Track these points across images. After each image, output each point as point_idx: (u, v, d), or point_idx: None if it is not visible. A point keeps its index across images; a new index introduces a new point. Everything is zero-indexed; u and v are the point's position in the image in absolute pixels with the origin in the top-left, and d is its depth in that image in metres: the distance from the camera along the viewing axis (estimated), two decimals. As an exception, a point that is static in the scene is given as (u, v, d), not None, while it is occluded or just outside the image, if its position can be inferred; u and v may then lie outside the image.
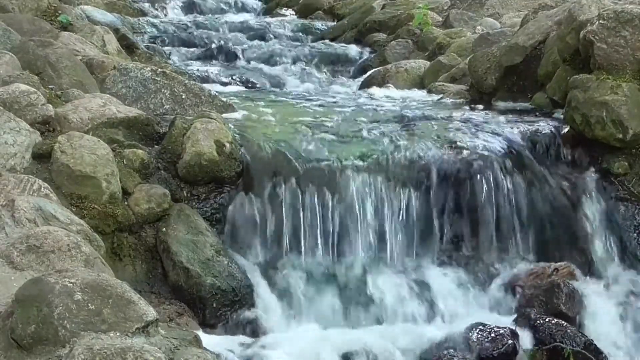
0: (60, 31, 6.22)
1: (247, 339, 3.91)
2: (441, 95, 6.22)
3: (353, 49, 8.74)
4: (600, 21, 4.80)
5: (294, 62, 8.30)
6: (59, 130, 4.31)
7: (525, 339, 3.97)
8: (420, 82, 6.92)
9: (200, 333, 3.37)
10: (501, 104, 5.80)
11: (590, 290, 4.39)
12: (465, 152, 4.68)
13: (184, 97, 5.23)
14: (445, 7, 9.35)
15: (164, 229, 4.13)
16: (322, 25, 10.06)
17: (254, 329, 4.01)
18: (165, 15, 10.63)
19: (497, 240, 4.57)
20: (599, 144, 4.75)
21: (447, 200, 4.57)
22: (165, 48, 8.38)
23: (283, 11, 11.39)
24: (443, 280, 4.43)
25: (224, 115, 4.99)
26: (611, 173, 4.73)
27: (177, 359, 2.73)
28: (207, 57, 8.40)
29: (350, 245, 4.42)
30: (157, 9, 10.69)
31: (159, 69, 5.46)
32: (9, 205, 3.48)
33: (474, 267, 4.52)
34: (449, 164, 4.61)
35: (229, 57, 8.43)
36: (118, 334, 2.63)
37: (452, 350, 3.81)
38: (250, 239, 4.34)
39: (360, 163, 4.54)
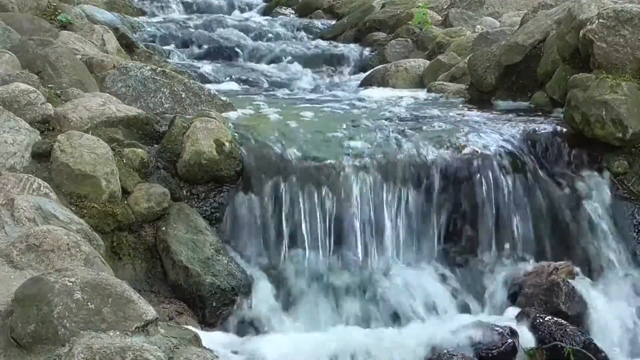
0: (59, 30, 6.22)
1: (246, 338, 3.91)
2: (441, 94, 6.22)
3: (353, 48, 8.74)
4: (600, 20, 4.80)
5: (294, 61, 8.30)
6: (58, 129, 4.31)
7: (525, 338, 3.96)
8: (420, 81, 6.92)
9: (199, 332, 3.37)
10: (501, 103, 5.80)
11: (589, 289, 4.39)
12: (464, 151, 4.68)
13: (183, 96, 5.23)
14: (445, 6, 9.36)
15: (164, 228, 4.13)
16: (322, 24, 10.07)
17: (253, 328, 4.01)
18: (165, 14, 10.62)
19: (497, 239, 4.57)
20: (598, 143, 4.75)
21: (447, 199, 4.57)
22: (165, 47, 8.38)
23: (283, 10, 11.39)
24: (442, 279, 4.43)
25: (224, 114, 4.99)
26: (611, 172, 4.73)
27: (177, 358, 2.73)
28: (206, 56, 8.40)
29: (349, 245, 4.42)
30: (156, 8, 10.69)
31: (159, 68, 5.46)
32: (8, 204, 3.48)
33: (473, 265, 4.52)
34: (449, 163, 4.61)
35: (229, 56, 8.43)
36: (118, 333, 2.63)
37: (451, 350, 3.80)
38: (250, 238, 4.35)
39: (360, 162, 4.54)
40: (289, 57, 8.38)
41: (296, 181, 4.41)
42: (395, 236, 4.47)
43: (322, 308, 4.19)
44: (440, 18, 8.85)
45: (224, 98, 5.39)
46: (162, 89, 5.22)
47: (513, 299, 4.36)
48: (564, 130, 4.92)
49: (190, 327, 3.42)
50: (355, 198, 4.44)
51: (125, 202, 4.14)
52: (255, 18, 10.69)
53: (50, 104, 4.42)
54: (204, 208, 4.35)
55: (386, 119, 5.22)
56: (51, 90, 4.69)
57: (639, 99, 4.65)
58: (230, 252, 4.23)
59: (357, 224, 4.42)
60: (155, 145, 4.50)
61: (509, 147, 4.76)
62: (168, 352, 2.71)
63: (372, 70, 7.61)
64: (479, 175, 4.60)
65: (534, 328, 4.01)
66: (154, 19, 9.75)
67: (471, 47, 6.86)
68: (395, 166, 4.56)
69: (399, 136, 4.82)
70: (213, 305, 3.98)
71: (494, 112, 5.46)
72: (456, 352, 3.78)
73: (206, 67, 7.76)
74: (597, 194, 4.66)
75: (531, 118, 5.22)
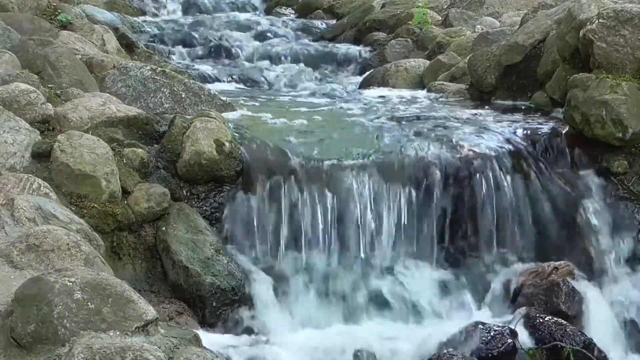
0: (59, 30, 6.22)
1: (246, 338, 3.91)
2: (441, 94, 6.22)
3: (353, 48, 8.74)
4: (600, 20, 4.79)
5: (294, 61, 8.30)
6: (58, 129, 4.31)
7: (525, 338, 3.97)
8: (420, 81, 6.93)
9: (199, 332, 3.37)
10: (501, 103, 5.80)
11: (589, 289, 4.39)
12: (464, 151, 4.68)
13: (183, 96, 5.23)
14: (445, 6, 9.36)
15: (164, 228, 4.13)
16: (322, 24, 10.06)
17: (253, 328, 4.01)
18: (165, 14, 10.63)
19: (497, 239, 4.57)
20: (598, 143, 4.74)
21: (447, 199, 4.57)
22: (165, 47, 8.38)
23: (283, 10, 11.39)
24: (443, 279, 4.43)
25: (224, 114, 4.99)
26: (611, 172, 4.73)
27: (177, 357, 2.73)
28: (206, 56, 8.40)
29: (349, 245, 4.42)
30: (156, 8, 10.69)
31: (159, 68, 5.46)
32: (8, 204, 3.48)
33: (473, 266, 4.52)
34: (449, 163, 4.61)
35: (229, 56, 8.44)
36: (118, 333, 2.63)
37: (451, 350, 3.81)
38: (250, 238, 4.34)
39: (360, 162, 4.54)
40: (289, 57, 8.38)
41: (296, 181, 4.41)
42: (396, 236, 4.47)
43: (322, 307, 4.19)
44: (440, 18, 8.85)
45: (224, 98, 5.39)
46: (162, 89, 5.22)
47: (513, 299, 4.36)
48: (564, 130, 4.92)
49: (190, 327, 3.42)
50: (355, 198, 4.43)
51: (125, 202, 4.14)
52: (255, 18, 10.69)
53: (50, 104, 4.42)
54: (204, 208, 4.35)
55: (386, 119, 5.22)
56: (51, 90, 4.69)
57: (639, 99, 4.65)
58: (230, 252, 4.23)
59: (357, 224, 4.42)
60: (155, 145, 4.50)
61: (509, 147, 4.76)
62: (168, 352, 2.72)
63: (372, 70, 7.62)
64: (479, 175, 4.60)
65: (534, 328, 4.02)
66: (154, 19, 9.75)
67: (471, 47, 6.86)
68: (395, 166, 4.56)
69: (399, 136, 4.82)
70: (213, 305, 3.98)
71: (494, 112, 5.46)
72: (456, 352, 3.78)
73: (206, 67, 7.76)
74: (597, 194, 4.66)
75: (531, 118, 5.22)
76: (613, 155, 4.74)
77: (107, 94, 4.85)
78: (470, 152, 4.67)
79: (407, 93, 6.44)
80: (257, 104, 5.74)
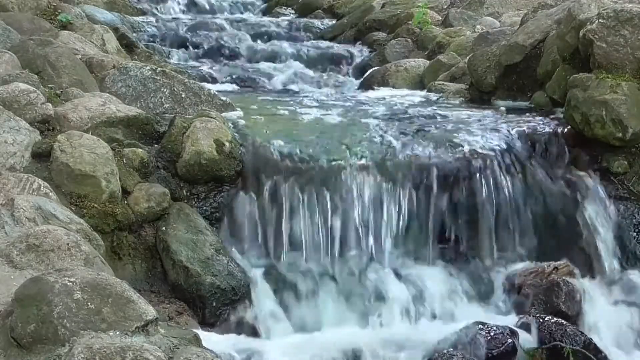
0: (59, 30, 6.23)
1: (246, 338, 3.91)
2: (441, 94, 6.22)
3: (353, 48, 8.74)
4: (600, 20, 4.80)
5: (294, 61, 8.30)
6: (58, 129, 4.31)
7: (525, 338, 3.96)
8: (420, 81, 6.92)
9: (199, 332, 3.37)
10: (501, 103, 5.80)
11: (589, 289, 4.39)
12: (464, 151, 4.68)
13: (183, 96, 5.23)
14: (445, 6, 9.35)
15: (164, 228, 4.14)
16: (322, 24, 10.06)
17: (253, 328, 4.01)
18: (165, 14, 10.62)
19: (497, 239, 4.57)
20: (598, 143, 4.75)
21: (447, 199, 4.57)
22: (165, 47, 8.38)
23: (283, 10, 11.39)
24: (442, 279, 4.42)
25: (224, 114, 4.99)
26: (611, 172, 4.73)
27: (177, 357, 2.73)
28: (206, 56, 8.40)
29: (349, 245, 4.42)
30: (156, 8, 10.69)
31: (159, 68, 5.46)
32: (8, 204, 3.48)
33: (473, 266, 4.52)
34: (449, 163, 4.61)
35: (229, 56, 8.43)
36: (118, 333, 2.63)
37: (451, 350, 3.81)
38: (250, 238, 4.35)
39: (360, 162, 4.54)
40: (289, 57, 8.38)
41: (296, 181, 4.41)
42: (395, 236, 4.47)
43: (322, 308, 4.19)
44: (440, 18, 8.84)
45: (224, 98, 5.39)
46: (162, 89, 5.22)
47: (513, 299, 4.36)
48: (564, 130, 4.92)
49: (190, 327, 3.42)
50: (355, 198, 4.43)
51: (125, 202, 4.14)
52: (256, 18, 10.69)
53: (50, 104, 4.42)
54: (204, 208, 4.35)
55: (386, 119, 5.22)
56: (51, 90, 4.69)
57: (639, 99, 4.65)
58: (230, 252, 4.23)
59: (357, 224, 4.42)
60: (155, 145, 4.51)
61: (509, 147, 4.76)
62: (168, 352, 2.72)
63: (372, 70, 7.61)
64: (479, 175, 4.60)
65: (534, 328, 4.02)
66: (154, 19, 9.75)
67: (471, 47, 6.86)
68: (395, 166, 4.56)
69: (399, 136, 4.81)
70: (213, 305, 3.98)
71: (494, 112, 5.46)
72: (456, 352, 3.78)
73: (206, 67, 7.76)
74: (596, 194, 4.66)
75: (531, 118, 5.22)
76: (613, 155, 4.75)
77: (107, 94, 4.85)
78: (470, 152, 4.67)
79: (407, 93, 6.44)
80: (257, 104, 5.74)
